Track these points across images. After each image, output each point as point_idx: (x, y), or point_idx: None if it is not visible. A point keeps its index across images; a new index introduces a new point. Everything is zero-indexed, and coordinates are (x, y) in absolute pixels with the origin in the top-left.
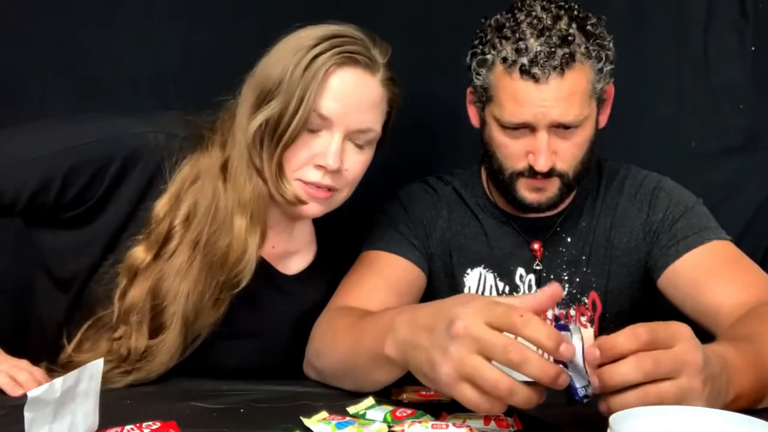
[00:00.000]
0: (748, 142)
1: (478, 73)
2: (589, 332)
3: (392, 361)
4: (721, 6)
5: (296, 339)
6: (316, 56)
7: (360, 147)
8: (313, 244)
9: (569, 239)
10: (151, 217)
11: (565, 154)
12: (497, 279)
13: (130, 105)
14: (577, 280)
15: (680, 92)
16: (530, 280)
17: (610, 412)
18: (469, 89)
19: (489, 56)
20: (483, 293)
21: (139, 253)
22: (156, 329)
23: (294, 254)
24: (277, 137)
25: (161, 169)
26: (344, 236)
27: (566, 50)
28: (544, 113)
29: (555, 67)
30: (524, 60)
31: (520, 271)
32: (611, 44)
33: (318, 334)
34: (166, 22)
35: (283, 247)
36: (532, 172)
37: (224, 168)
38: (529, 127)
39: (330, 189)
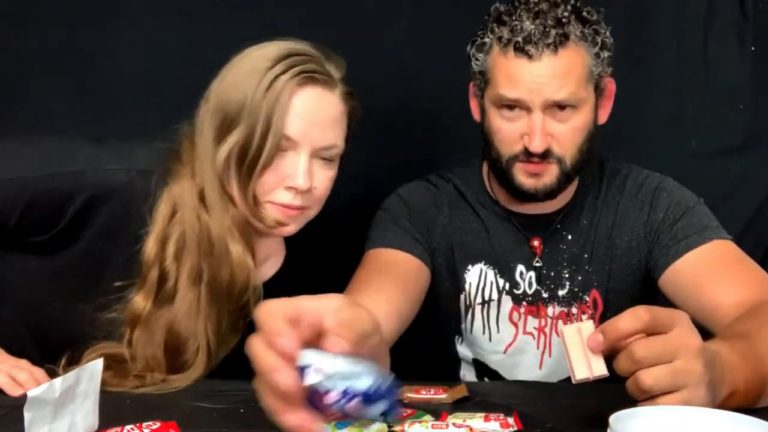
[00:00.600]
0: (748, 142)
1: (477, 59)
2: (589, 324)
3: None
4: (721, 6)
5: None
6: (275, 78)
7: (326, 162)
8: (282, 249)
9: (570, 237)
10: (141, 263)
11: (562, 138)
12: (498, 275)
13: (129, 106)
14: (579, 278)
15: (680, 92)
16: (530, 277)
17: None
18: (471, 83)
19: (487, 39)
20: (483, 289)
21: (139, 302)
22: (179, 366)
23: (263, 262)
24: (247, 165)
25: (136, 208)
26: (314, 239)
27: (560, 30)
28: (537, 90)
29: (548, 45)
30: (518, 38)
31: (521, 267)
32: (608, 33)
33: None
34: (166, 23)
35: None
36: (527, 155)
37: (202, 197)
38: (525, 108)
39: (300, 208)
